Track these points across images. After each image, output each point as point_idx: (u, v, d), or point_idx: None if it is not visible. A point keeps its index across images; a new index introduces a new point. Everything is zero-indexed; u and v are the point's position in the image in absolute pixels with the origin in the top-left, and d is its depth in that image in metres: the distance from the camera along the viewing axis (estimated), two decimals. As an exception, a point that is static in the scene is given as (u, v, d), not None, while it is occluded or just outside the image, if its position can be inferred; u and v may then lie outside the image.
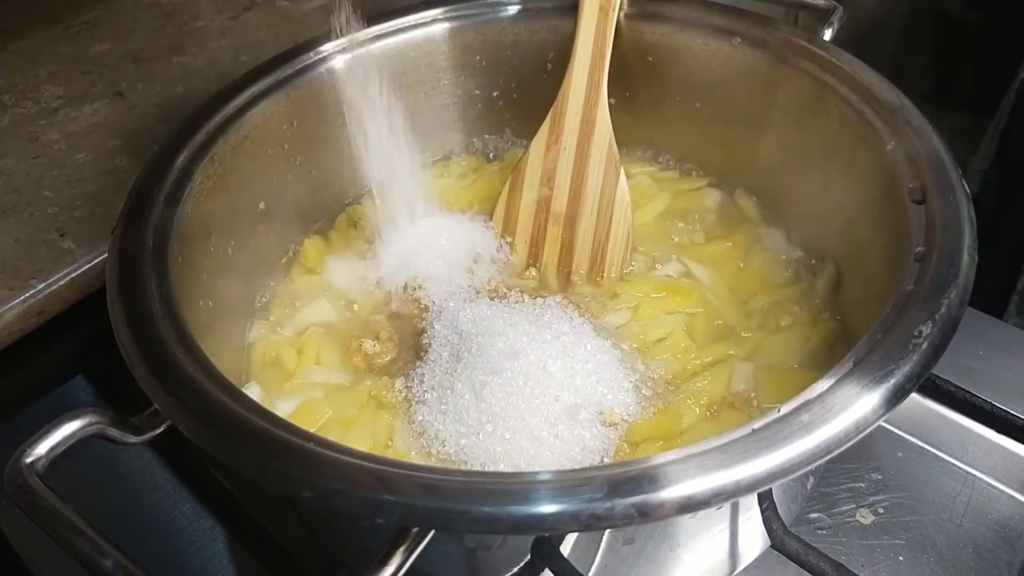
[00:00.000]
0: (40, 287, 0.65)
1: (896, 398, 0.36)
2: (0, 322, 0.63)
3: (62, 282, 0.66)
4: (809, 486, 0.57)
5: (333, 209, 0.71)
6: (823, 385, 0.37)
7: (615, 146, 0.65)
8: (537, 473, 0.34)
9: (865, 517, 0.56)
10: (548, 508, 0.33)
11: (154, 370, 0.40)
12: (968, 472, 0.59)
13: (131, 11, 1.01)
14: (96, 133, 0.81)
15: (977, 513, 0.56)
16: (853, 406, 0.36)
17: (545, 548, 0.42)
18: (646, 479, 0.33)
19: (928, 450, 0.60)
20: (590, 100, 0.66)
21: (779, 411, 0.36)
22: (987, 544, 0.55)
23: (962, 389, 0.50)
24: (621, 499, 0.33)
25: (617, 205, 0.65)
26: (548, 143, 0.67)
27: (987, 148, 1.04)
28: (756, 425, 0.35)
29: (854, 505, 0.57)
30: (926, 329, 0.39)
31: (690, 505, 0.33)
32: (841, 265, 0.59)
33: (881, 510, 0.57)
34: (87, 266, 0.67)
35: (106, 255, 0.67)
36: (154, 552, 0.60)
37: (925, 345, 0.38)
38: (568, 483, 0.33)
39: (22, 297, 0.64)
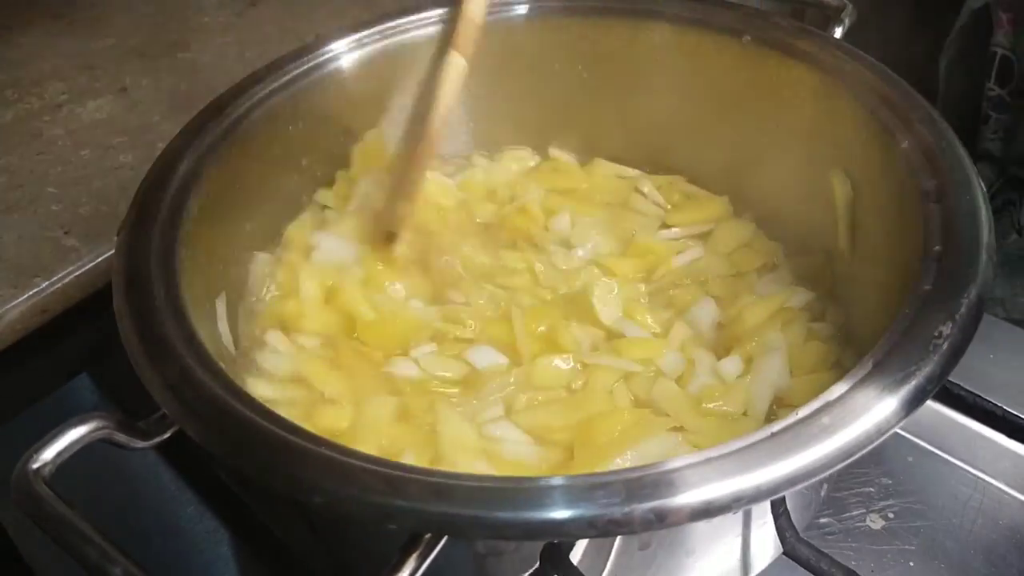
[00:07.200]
0: (44, 285, 0.65)
1: (917, 400, 0.36)
2: (3, 320, 0.63)
3: (66, 280, 0.65)
4: (823, 492, 0.56)
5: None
6: (842, 387, 0.36)
7: None
8: (552, 478, 0.34)
9: (875, 522, 0.56)
10: (564, 513, 0.32)
11: (163, 375, 0.39)
12: (979, 477, 0.58)
13: (134, 6, 1.00)
14: (100, 129, 0.80)
15: (988, 518, 0.56)
16: (874, 408, 0.35)
17: (554, 555, 0.41)
18: (664, 483, 0.33)
19: (938, 455, 0.60)
20: None
21: (797, 414, 0.35)
22: (998, 550, 0.54)
23: (972, 393, 0.49)
24: (639, 504, 0.32)
25: None
26: None
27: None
28: (775, 428, 0.35)
29: (864, 510, 0.56)
30: (946, 330, 0.38)
31: (710, 510, 0.32)
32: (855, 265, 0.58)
33: (891, 515, 0.56)
34: (91, 264, 0.67)
35: (110, 253, 0.67)
36: (157, 554, 0.59)
37: (945, 346, 0.38)
38: (584, 488, 0.33)
39: (26, 295, 0.64)
